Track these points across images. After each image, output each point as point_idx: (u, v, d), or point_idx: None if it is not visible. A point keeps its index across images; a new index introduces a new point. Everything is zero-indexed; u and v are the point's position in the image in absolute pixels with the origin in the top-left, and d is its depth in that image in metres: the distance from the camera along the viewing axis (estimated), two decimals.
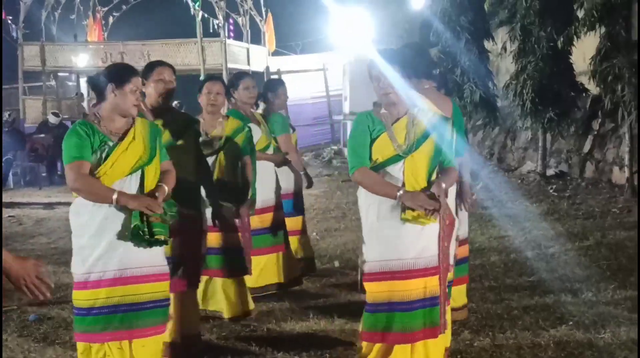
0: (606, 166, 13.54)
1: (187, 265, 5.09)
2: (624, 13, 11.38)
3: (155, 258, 4.30)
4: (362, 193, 4.35)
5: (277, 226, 6.65)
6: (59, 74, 27.53)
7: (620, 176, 12.69)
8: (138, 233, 4.11)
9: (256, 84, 6.62)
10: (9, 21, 25.53)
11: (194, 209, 5.12)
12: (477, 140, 19.17)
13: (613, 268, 7.33)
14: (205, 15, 24.50)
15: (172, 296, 4.68)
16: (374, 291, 4.28)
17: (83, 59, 25.37)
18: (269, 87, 7.19)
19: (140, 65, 23.89)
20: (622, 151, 12.27)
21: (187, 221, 4.91)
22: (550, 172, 14.78)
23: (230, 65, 24.14)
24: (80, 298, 4.19)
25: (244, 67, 25.31)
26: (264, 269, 6.60)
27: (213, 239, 5.73)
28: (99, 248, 4.14)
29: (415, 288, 4.21)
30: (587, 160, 14.14)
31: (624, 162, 12.10)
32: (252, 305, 6.08)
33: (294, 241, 7.16)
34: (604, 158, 13.63)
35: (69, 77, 29.29)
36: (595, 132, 14.15)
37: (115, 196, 4.04)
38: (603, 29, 11.69)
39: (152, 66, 5.15)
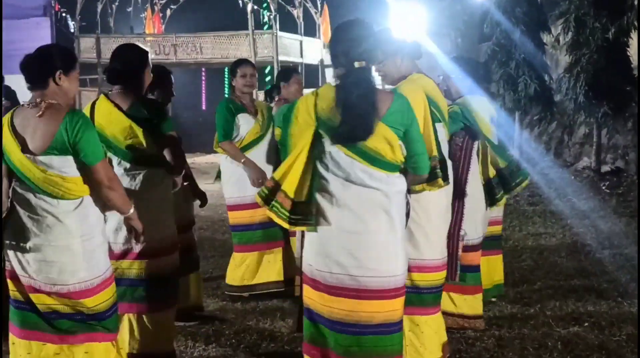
0: None
1: None
2: None
3: None
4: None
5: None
6: None
7: None
8: None
9: (256, 72, 6.19)
10: (65, 14, 25.94)
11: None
12: (534, 135, 18.62)
13: None
14: (255, 7, 24.45)
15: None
16: None
17: None
18: (281, 77, 6.79)
19: (192, 57, 24.40)
20: None
21: None
22: (605, 168, 14.20)
23: (282, 57, 24.09)
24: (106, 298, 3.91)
25: (296, 59, 25.25)
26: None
27: None
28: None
29: None
30: None
31: None
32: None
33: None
34: None
35: None
36: None
37: None
38: None
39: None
